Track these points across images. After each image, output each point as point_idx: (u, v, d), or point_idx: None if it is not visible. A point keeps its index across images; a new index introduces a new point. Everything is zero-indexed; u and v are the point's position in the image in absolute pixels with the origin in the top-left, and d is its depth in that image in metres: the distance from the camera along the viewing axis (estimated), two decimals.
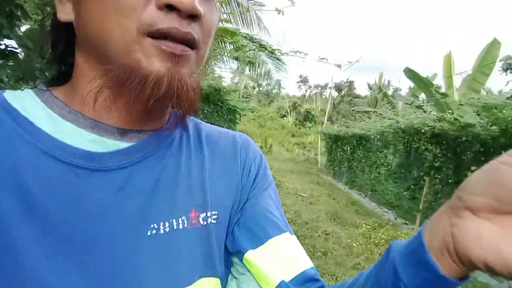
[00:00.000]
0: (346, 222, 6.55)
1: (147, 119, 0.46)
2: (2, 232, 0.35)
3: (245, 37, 8.20)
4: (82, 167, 0.40)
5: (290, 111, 36.53)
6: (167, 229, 0.43)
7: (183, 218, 0.44)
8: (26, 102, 0.42)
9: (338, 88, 44.32)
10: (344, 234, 5.68)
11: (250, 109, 15.43)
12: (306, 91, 59.73)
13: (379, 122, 9.12)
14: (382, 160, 9.54)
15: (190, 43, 0.40)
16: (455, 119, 5.19)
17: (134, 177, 0.42)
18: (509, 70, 27.89)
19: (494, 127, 4.75)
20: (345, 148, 12.85)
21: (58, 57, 0.48)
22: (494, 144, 5.02)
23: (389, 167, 9.16)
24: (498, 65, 30.41)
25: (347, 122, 13.08)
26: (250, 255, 0.49)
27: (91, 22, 0.39)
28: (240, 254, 0.50)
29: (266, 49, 8.69)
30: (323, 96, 43.69)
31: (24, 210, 0.36)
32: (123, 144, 0.43)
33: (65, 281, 0.36)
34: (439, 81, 11.31)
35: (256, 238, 0.49)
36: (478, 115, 4.98)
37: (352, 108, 25.01)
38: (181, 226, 0.44)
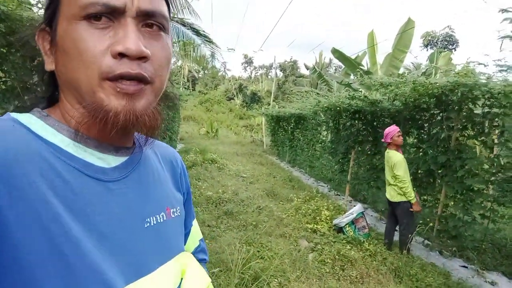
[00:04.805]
0: (281, 197, 6.87)
1: (125, 139, 0.59)
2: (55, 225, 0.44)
3: (177, 21, 8.23)
4: (103, 180, 0.52)
5: (237, 93, 36.42)
6: (155, 222, 0.59)
7: (162, 214, 0.61)
8: (41, 127, 0.50)
9: (283, 68, 45.01)
10: (276, 208, 6.00)
11: (189, 94, 15.30)
12: (251, 72, 59.57)
13: (309, 101, 9.52)
14: (317, 137, 10.09)
15: (144, 80, 0.49)
16: (365, 96, 5.72)
17: (130, 186, 0.57)
18: (429, 46, 30.13)
19: (396, 102, 5.32)
20: (286, 128, 13.29)
21: (45, 89, 0.59)
22: (399, 116, 5.64)
23: (323, 143, 9.74)
24: (420, 41, 32.44)
25: (291, 102, 13.45)
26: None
27: (65, 72, 0.50)
28: None
29: (199, 32, 8.76)
30: (269, 77, 44.12)
31: (72, 216, 0.46)
32: (118, 159, 0.57)
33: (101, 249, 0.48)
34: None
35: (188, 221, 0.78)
36: (377, 91, 5.50)
37: (291, 89, 25.67)
38: (161, 220, 0.60)
